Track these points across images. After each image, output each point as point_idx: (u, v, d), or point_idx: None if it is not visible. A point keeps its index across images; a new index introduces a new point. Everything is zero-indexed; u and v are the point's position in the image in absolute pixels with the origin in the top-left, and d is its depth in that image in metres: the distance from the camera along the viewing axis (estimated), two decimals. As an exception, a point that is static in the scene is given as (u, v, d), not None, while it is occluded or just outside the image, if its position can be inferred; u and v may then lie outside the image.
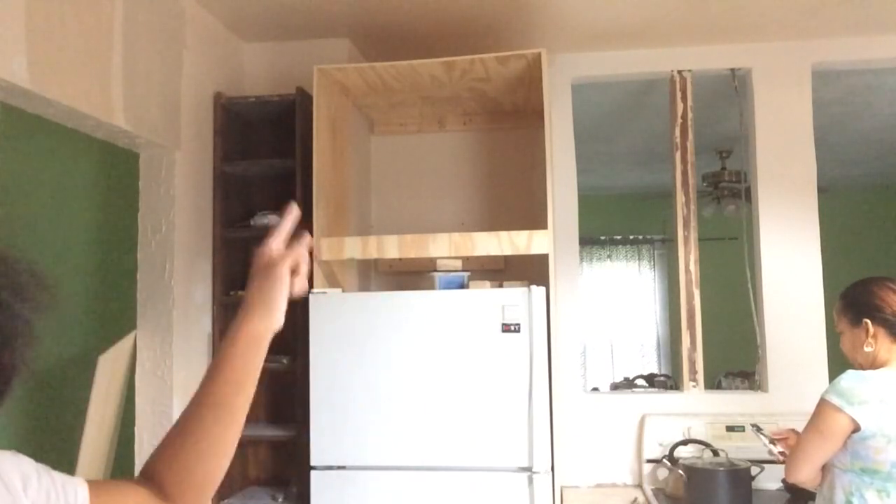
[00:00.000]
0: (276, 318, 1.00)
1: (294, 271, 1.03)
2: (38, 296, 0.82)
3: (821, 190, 3.18)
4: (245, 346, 0.98)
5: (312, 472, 2.48)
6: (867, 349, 1.91)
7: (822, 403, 1.86)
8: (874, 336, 1.91)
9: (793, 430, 2.09)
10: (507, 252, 2.51)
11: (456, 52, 2.81)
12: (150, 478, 0.95)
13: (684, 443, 2.92)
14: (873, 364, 1.91)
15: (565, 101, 3.24)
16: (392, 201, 3.39)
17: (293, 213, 1.04)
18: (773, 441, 2.14)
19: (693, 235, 3.16)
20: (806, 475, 1.93)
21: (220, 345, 0.99)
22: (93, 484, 0.89)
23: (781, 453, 2.10)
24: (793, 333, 3.07)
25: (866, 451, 1.82)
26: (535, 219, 2.94)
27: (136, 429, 2.62)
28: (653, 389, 5.05)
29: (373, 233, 3.33)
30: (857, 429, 1.81)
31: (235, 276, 2.99)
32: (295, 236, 1.04)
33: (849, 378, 1.87)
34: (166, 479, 0.94)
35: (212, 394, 0.95)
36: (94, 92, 2.19)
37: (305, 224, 2.76)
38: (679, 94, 3.21)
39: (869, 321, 1.91)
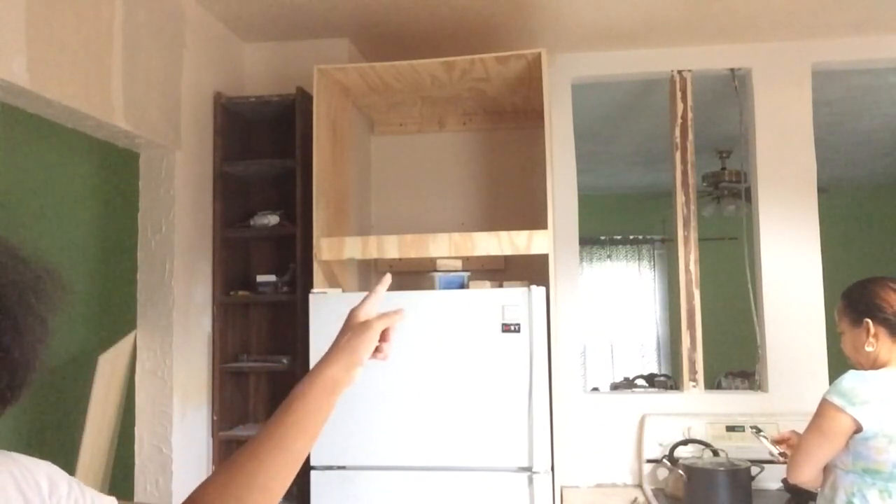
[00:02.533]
0: (356, 373, 1.02)
1: (383, 337, 1.06)
2: (53, 294, 0.83)
3: (821, 190, 3.18)
4: (321, 390, 0.99)
5: (312, 472, 2.47)
6: (868, 349, 1.91)
7: (824, 404, 1.86)
8: (875, 336, 1.91)
9: (794, 432, 2.09)
10: (507, 252, 2.51)
11: (456, 52, 2.81)
12: None
13: (684, 443, 2.92)
14: (874, 364, 1.91)
15: (565, 101, 3.24)
16: (392, 201, 3.39)
17: (387, 281, 1.13)
18: (775, 442, 2.14)
19: (693, 235, 3.16)
20: (808, 476, 1.93)
21: (297, 385, 0.99)
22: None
23: (783, 454, 2.10)
24: (793, 333, 3.07)
25: (868, 452, 1.82)
26: (535, 219, 2.94)
27: (136, 429, 2.62)
28: (653, 389, 5.05)
29: (373, 233, 3.33)
30: (858, 429, 1.81)
31: (235, 276, 2.99)
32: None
33: (850, 378, 1.87)
34: None
35: (277, 432, 0.95)
36: (94, 92, 2.19)
37: (305, 224, 2.76)
38: (679, 94, 3.21)
39: (870, 321, 1.91)
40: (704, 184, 5.03)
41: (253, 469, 0.93)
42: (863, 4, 2.80)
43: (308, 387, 0.99)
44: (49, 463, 0.85)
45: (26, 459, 0.83)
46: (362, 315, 1.06)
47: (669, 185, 3.25)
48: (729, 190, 5.02)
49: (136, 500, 2.59)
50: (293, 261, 2.85)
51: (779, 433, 2.19)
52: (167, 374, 2.60)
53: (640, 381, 5.51)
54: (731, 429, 2.94)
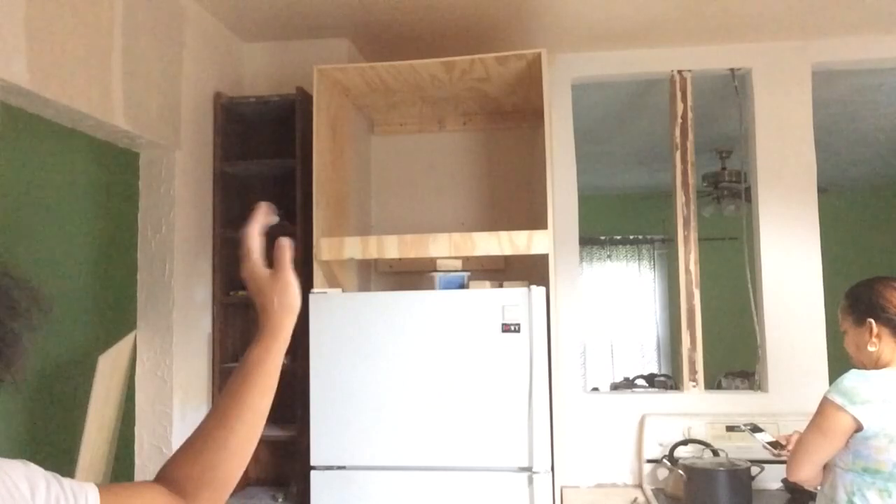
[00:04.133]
0: (293, 320, 1.10)
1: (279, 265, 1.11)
2: (30, 312, 0.84)
3: (821, 190, 3.18)
4: (277, 352, 1.06)
5: (312, 472, 2.48)
6: (871, 349, 1.91)
7: (825, 402, 1.86)
8: (878, 336, 1.91)
9: (798, 432, 2.09)
10: (507, 252, 2.51)
11: (456, 52, 2.81)
12: (168, 477, 0.98)
13: (684, 443, 2.92)
14: (877, 364, 1.91)
15: (565, 101, 3.24)
16: (392, 201, 3.39)
17: (262, 214, 1.16)
18: (775, 444, 2.13)
19: (693, 235, 3.15)
20: (807, 474, 1.93)
21: (251, 352, 1.04)
22: (104, 487, 0.91)
23: (775, 444, 2.11)
24: (793, 333, 3.06)
25: (868, 451, 1.82)
26: (535, 219, 2.94)
27: (136, 429, 2.62)
28: (653, 389, 5.05)
29: (373, 233, 3.33)
30: (859, 428, 1.81)
31: (235, 276, 2.99)
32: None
33: (852, 377, 1.87)
34: (187, 475, 0.97)
35: (242, 399, 1.01)
36: (94, 92, 2.19)
37: (305, 224, 2.76)
38: (679, 94, 3.21)
39: (873, 321, 1.91)
40: (704, 184, 5.03)
41: (224, 436, 0.98)
42: (863, 4, 2.80)
43: (265, 353, 1.05)
44: (24, 461, 0.86)
45: (3, 463, 0.84)
46: (263, 272, 1.10)
47: (669, 185, 3.25)
48: (729, 190, 5.02)
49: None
50: (293, 261, 2.85)
51: (781, 435, 2.20)
52: (167, 374, 2.60)
53: (640, 381, 5.51)
54: (731, 429, 2.94)
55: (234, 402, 1.01)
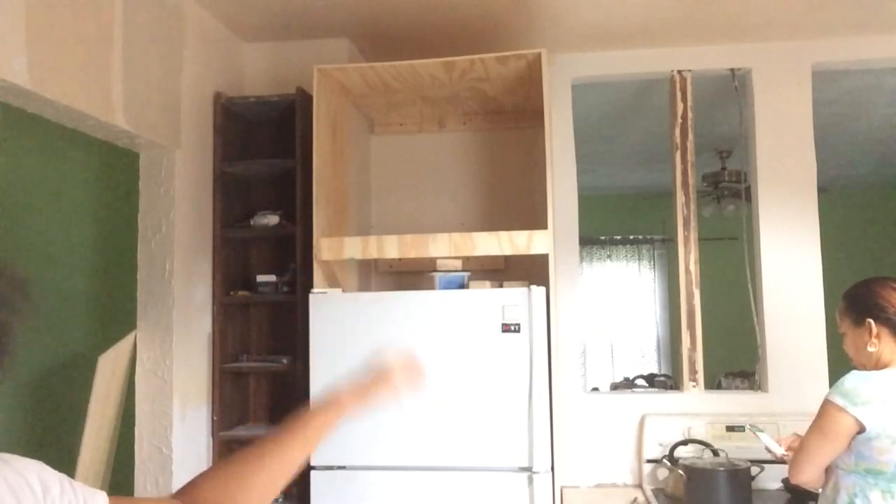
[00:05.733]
0: (351, 411, 1.19)
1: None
2: (14, 299, 0.84)
3: (821, 190, 3.18)
4: (336, 417, 1.15)
5: (312, 472, 2.47)
6: (870, 349, 1.91)
7: (826, 404, 1.86)
8: (877, 336, 1.90)
9: (797, 434, 2.09)
10: (507, 252, 2.51)
11: (456, 52, 2.81)
12: (188, 497, 0.98)
13: (684, 443, 2.92)
14: (877, 365, 1.91)
15: (565, 101, 3.24)
16: (392, 201, 3.39)
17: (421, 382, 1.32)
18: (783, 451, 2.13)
19: (693, 235, 3.15)
20: (809, 476, 1.93)
21: (317, 407, 1.13)
22: (116, 498, 0.91)
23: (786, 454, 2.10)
24: (793, 333, 3.06)
25: (870, 452, 1.82)
26: (535, 219, 2.94)
27: (136, 429, 2.62)
28: (653, 389, 5.05)
29: (373, 233, 3.33)
30: (861, 430, 1.81)
31: (235, 276, 2.99)
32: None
33: (852, 379, 1.86)
34: (208, 501, 0.97)
35: (286, 443, 1.07)
36: (94, 92, 2.19)
37: (305, 224, 2.76)
38: (679, 94, 3.21)
39: (872, 321, 1.91)
40: (704, 184, 5.02)
41: (255, 471, 1.00)
42: (863, 4, 2.80)
43: (330, 416, 1.14)
44: (40, 463, 0.86)
45: (17, 462, 0.84)
46: (386, 377, 1.25)
47: (669, 185, 3.25)
48: (729, 190, 5.01)
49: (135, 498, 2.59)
50: (293, 261, 2.85)
51: (781, 437, 2.19)
52: (167, 374, 2.60)
53: (640, 381, 5.51)
54: (731, 429, 2.94)
55: (278, 444, 1.06)
